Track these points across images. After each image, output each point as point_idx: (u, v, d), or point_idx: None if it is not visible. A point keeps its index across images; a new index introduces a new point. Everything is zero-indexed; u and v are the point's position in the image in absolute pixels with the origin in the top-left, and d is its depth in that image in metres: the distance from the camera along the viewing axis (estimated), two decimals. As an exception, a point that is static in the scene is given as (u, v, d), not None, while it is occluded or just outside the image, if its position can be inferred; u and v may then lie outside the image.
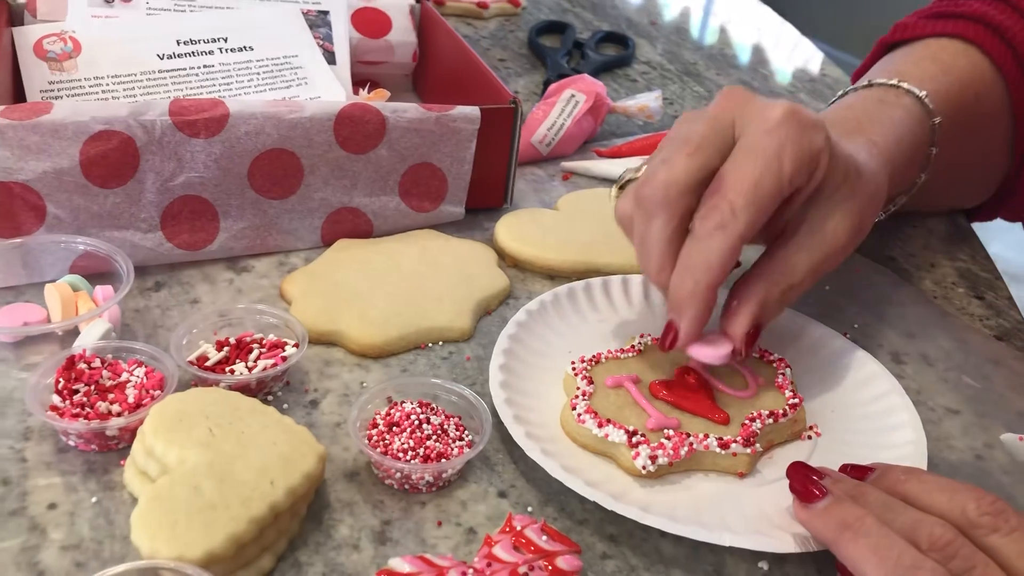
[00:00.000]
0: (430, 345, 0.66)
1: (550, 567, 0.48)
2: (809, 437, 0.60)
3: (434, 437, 0.55)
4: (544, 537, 0.49)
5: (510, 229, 0.77)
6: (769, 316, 0.59)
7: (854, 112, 0.71)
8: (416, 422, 0.55)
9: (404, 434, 0.54)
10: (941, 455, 0.61)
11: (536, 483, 0.56)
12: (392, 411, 0.56)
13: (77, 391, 0.55)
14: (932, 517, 0.47)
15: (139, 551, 0.46)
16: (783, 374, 0.62)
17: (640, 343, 0.63)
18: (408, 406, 0.56)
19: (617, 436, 0.54)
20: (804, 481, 0.50)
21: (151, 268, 0.71)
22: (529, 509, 0.54)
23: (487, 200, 0.82)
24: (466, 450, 0.55)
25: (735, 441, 0.55)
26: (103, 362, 0.57)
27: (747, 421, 0.57)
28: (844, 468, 0.53)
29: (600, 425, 0.55)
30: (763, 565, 0.52)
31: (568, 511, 0.54)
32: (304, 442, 0.52)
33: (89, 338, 0.59)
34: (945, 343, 0.73)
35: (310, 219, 0.74)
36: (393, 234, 0.76)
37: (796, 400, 0.59)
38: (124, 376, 0.57)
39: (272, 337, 0.62)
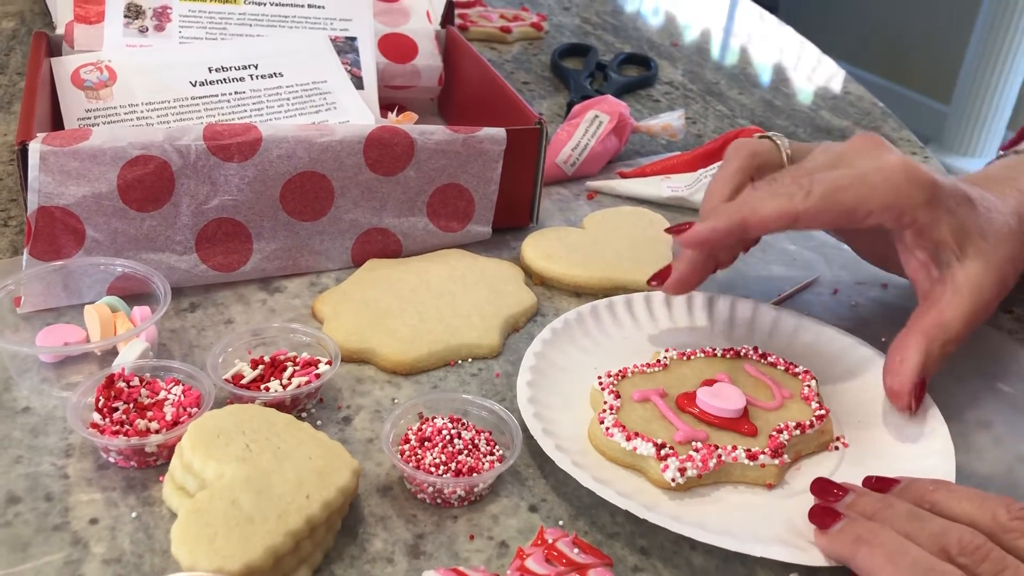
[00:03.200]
0: (459, 362, 0.67)
1: (582, 579, 0.48)
2: (836, 448, 0.60)
3: (465, 452, 0.55)
4: (576, 550, 0.50)
5: (537, 247, 0.78)
6: (932, 370, 0.60)
7: (1006, 169, 0.71)
8: (447, 437, 0.56)
9: (436, 449, 0.55)
10: (972, 467, 0.61)
11: (567, 497, 0.56)
12: (424, 426, 0.57)
13: (116, 409, 0.56)
14: (961, 525, 0.47)
15: (179, 564, 0.46)
16: (809, 386, 0.62)
17: (666, 358, 0.64)
18: (439, 421, 0.57)
19: (646, 449, 0.55)
20: (820, 510, 0.51)
21: (186, 289, 0.72)
22: (560, 523, 0.54)
23: (513, 219, 0.83)
24: (497, 464, 0.55)
25: (763, 453, 0.56)
26: (141, 380, 0.59)
27: (774, 433, 0.57)
28: (868, 481, 0.54)
29: (628, 438, 0.55)
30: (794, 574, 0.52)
31: (599, 524, 0.54)
32: (338, 456, 0.52)
33: (127, 357, 0.60)
34: (974, 355, 0.73)
35: (341, 240, 0.76)
36: (421, 254, 0.78)
37: (823, 412, 0.59)
38: (162, 394, 0.58)
39: (305, 355, 0.63)
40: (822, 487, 0.53)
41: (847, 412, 0.63)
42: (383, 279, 0.73)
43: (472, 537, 0.53)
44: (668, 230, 0.66)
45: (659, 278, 0.66)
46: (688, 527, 0.51)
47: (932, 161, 1.07)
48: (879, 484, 0.53)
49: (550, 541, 0.50)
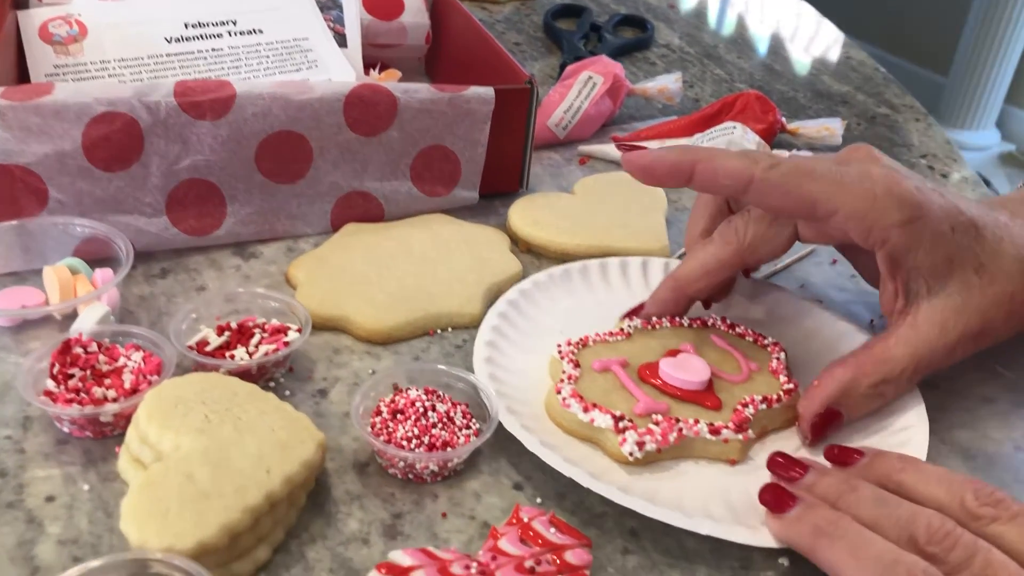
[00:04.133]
0: (440, 332, 0.64)
1: (558, 561, 0.46)
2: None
3: (440, 425, 0.52)
4: (553, 530, 0.47)
5: (524, 213, 0.74)
6: (852, 408, 0.54)
7: None
8: (421, 410, 0.53)
9: (408, 422, 0.52)
10: (978, 446, 0.58)
11: (553, 475, 0.53)
12: (397, 399, 0.54)
13: (72, 376, 0.53)
14: (929, 510, 0.45)
15: (128, 541, 0.44)
16: (777, 358, 0.59)
17: (630, 327, 0.61)
18: (413, 393, 0.54)
19: (603, 421, 0.52)
20: (773, 491, 0.48)
21: (157, 254, 0.69)
22: (539, 501, 0.52)
23: (502, 185, 0.80)
24: (473, 439, 0.53)
25: (726, 427, 0.53)
26: (100, 347, 0.56)
27: (739, 407, 0.54)
28: (831, 450, 0.51)
29: (586, 409, 0.52)
30: (783, 561, 0.49)
31: (586, 505, 0.51)
32: (303, 429, 0.50)
33: (86, 322, 0.57)
34: (979, 330, 0.70)
35: (319, 203, 0.73)
36: (405, 219, 0.74)
37: (791, 385, 0.57)
38: (121, 361, 0.55)
39: (275, 322, 0.60)
40: (780, 464, 0.49)
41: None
42: (361, 244, 0.70)
43: (444, 515, 0.50)
44: (618, 146, 0.61)
45: (632, 313, 0.62)
46: (634, 499, 0.48)
47: (935, 129, 1.03)
48: (841, 455, 0.50)
49: (525, 520, 0.48)
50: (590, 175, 0.83)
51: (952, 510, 0.45)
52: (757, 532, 0.48)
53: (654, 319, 0.61)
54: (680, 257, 0.75)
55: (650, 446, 0.51)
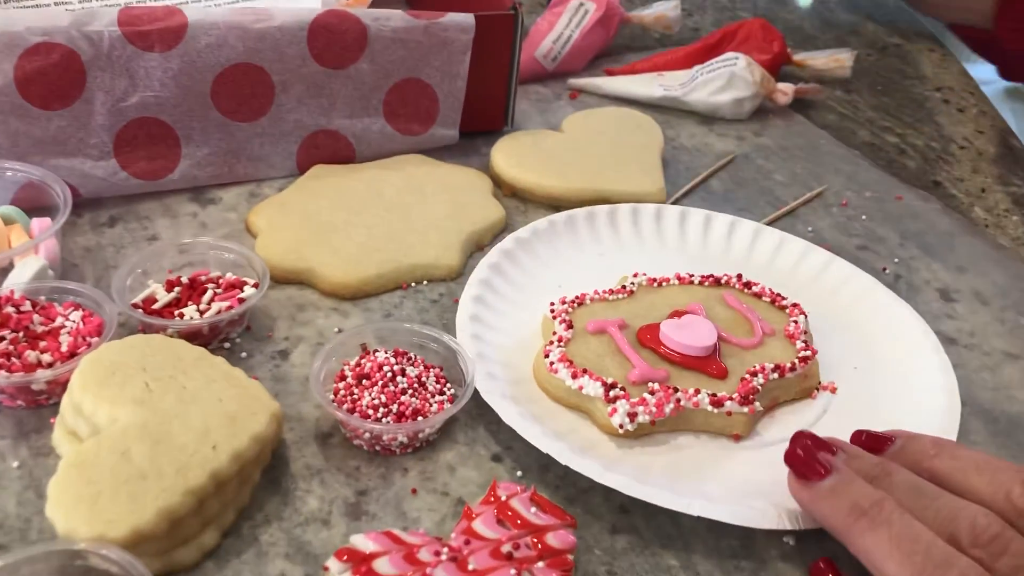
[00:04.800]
0: (414, 285, 0.58)
1: (539, 544, 0.41)
2: (816, 394, 0.51)
3: (410, 392, 0.47)
4: (533, 509, 0.42)
5: (508, 153, 0.68)
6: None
7: None
8: (389, 374, 0.48)
9: (375, 388, 0.47)
10: (1001, 407, 0.53)
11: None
12: (363, 362, 0.49)
13: (3, 339, 0.48)
14: (973, 505, 0.39)
15: (54, 528, 0.39)
16: (796, 321, 0.53)
17: (633, 283, 0.55)
18: (381, 356, 0.49)
19: (593, 389, 0.47)
20: (806, 453, 0.41)
21: (106, 201, 0.63)
22: (519, 474, 0.47)
23: (485, 122, 0.74)
24: (447, 406, 0.47)
25: (730, 399, 0.47)
26: (35, 305, 0.50)
27: (747, 375, 0.48)
28: (857, 436, 0.45)
29: (574, 376, 0.47)
30: (788, 540, 0.45)
31: (571, 478, 0.46)
32: (255, 398, 0.44)
33: (20, 278, 0.51)
34: (1000, 278, 0.64)
35: (284, 144, 0.66)
36: (377, 160, 0.68)
37: (808, 353, 0.51)
38: (58, 321, 0.50)
39: (230, 276, 0.55)
40: (805, 444, 0.42)
41: (841, 354, 0.54)
42: (329, 188, 0.64)
43: (414, 491, 0.45)
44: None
45: None
46: (616, 477, 0.43)
47: (950, 60, 0.96)
48: (870, 442, 0.44)
49: (503, 498, 0.43)
50: (581, 111, 0.76)
51: (996, 504, 0.39)
52: (760, 513, 0.43)
53: (660, 276, 0.55)
54: (676, 202, 0.69)
55: (643, 417, 0.46)
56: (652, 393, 0.47)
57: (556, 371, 0.48)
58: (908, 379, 0.52)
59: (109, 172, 0.62)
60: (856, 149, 0.79)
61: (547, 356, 0.48)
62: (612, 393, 0.46)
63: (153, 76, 0.61)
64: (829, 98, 0.87)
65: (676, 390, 0.47)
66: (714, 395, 0.47)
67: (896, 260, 0.65)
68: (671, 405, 0.46)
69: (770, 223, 0.67)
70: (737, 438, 0.48)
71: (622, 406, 0.46)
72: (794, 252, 0.61)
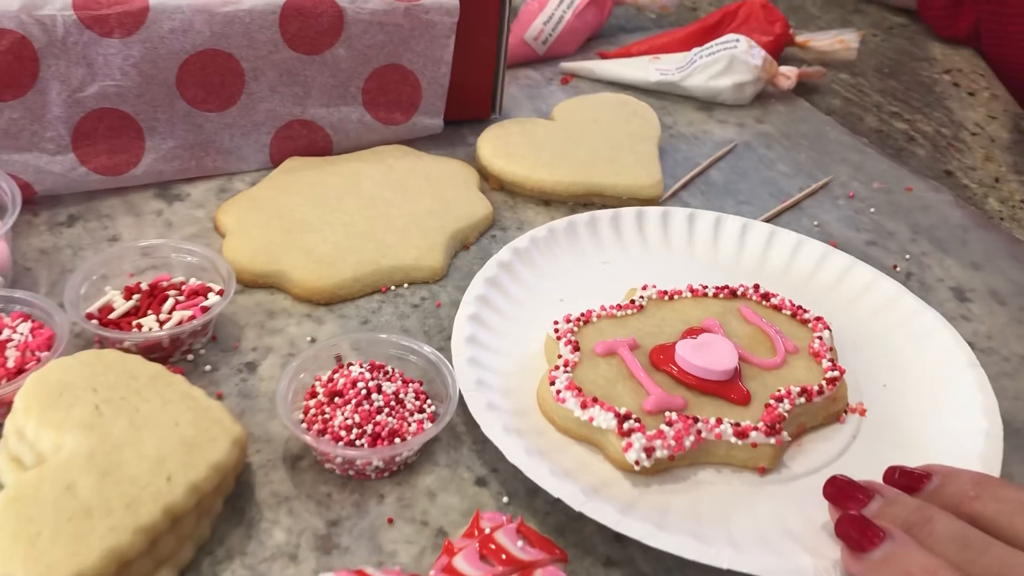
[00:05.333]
0: (394, 289, 0.54)
1: (527, 583, 0.37)
2: (844, 418, 0.47)
3: (386, 410, 0.44)
4: (520, 542, 0.39)
5: (495, 143, 0.64)
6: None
7: None
8: (364, 391, 0.44)
9: (348, 407, 0.43)
10: (1023, 418, 0.50)
11: (522, 465, 0.44)
12: (336, 377, 0.45)
13: (-57, 355, 0.44)
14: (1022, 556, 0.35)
15: (-11, 573, 0.35)
16: (820, 337, 0.49)
17: (642, 297, 0.51)
18: (356, 371, 0.45)
19: (604, 420, 0.42)
20: (856, 524, 0.38)
21: (65, 198, 0.59)
22: (505, 500, 0.43)
23: (471, 110, 0.70)
24: (427, 425, 0.44)
25: (756, 428, 0.43)
26: (-21, 317, 0.46)
27: (772, 401, 0.44)
28: (891, 473, 0.41)
29: (584, 406, 0.43)
30: None
31: (562, 505, 0.42)
32: (215, 421, 0.41)
33: (-37, 287, 0.48)
34: (1017, 275, 0.61)
35: (255, 135, 0.62)
36: (356, 152, 0.64)
37: (836, 373, 0.46)
38: (5, 334, 0.46)
39: (194, 281, 0.51)
40: (841, 490, 0.40)
41: (868, 371, 0.50)
42: (303, 183, 0.60)
43: (391, 521, 0.42)
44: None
45: None
46: (637, 524, 0.39)
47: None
48: (904, 480, 0.40)
49: (487, 531, 0.39)
50: (573, 97, 0.72)
51: None
52: (790, 560, 0.39)
53: (671, 288, 0.51)
54: (674, 195, 0.65)
55: (661, 453, 0.42)
56: (670, 424, 0.42)
57: (563, 400, 0.43)
58: (943, 398, 0.48)
59: (67, 167, 0.58)
60: (863, 136, 0.75)
61: (553, 383, 0.44)
62: (626, 425, 0.42)
63: (113, 64, 0.57)
64: (833, 82, 0.83)
65: (696, 420, 0.43)
66: (737, 425, 0.43)
67: (907, 256, 0.61)
68: (691, 438, 0.42)
69: (774, 217, 0.63)
70: (763, 471, 0.44)
71: (637, 440, 0.41)
72: (811, 256, 0.57)
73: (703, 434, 0.43)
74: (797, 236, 0.58)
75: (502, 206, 0.62)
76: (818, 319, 0.50)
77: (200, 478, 0.38)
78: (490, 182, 0.64)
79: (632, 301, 0.50)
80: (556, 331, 0.47)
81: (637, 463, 0.41)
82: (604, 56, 0.81)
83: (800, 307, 0.51)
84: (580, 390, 0.43)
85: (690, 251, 0.58)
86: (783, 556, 0.39)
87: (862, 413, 0.48)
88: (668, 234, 0.58)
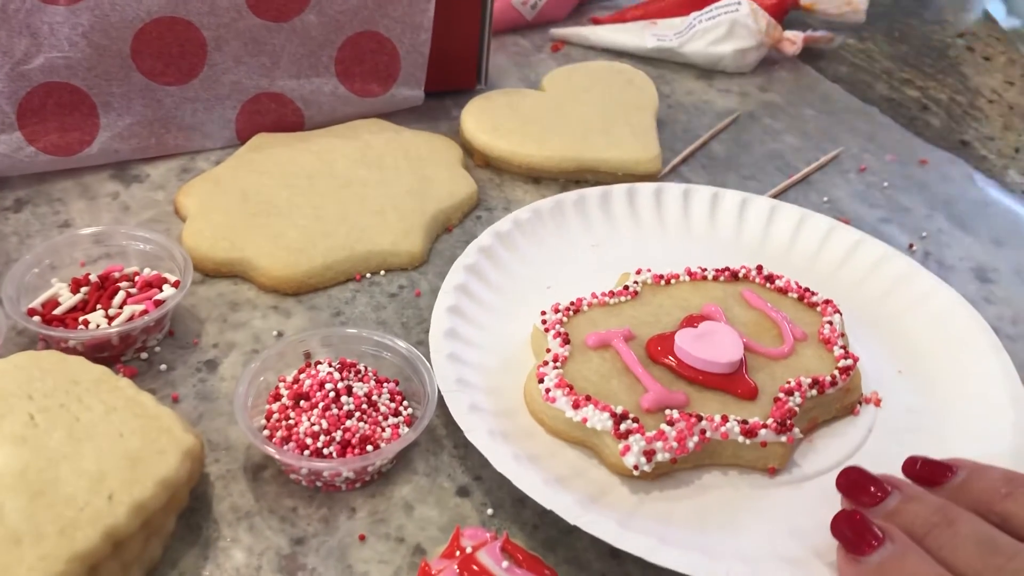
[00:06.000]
0: (369, 276, 0.50)
1: (513, 610, 0.33)
2: (859, 409, 0.43)
3: (357, 415, 0.39)
4: (506, 563, 0.34)
5: (480, 116, 0.60)
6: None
7: None
8: (332, 394, 0.40)
9: (315, 411, 0.39)
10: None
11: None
12: (301, 377, 0.41)
13: None
14: None
15: (-98, 612, 0.31)
16: (830, 322, 0.44)
17: (636, 282, 0.46)
18: (324, 371, 0.41)
19: (599, 421, 0.38)
20: (852, 524, 0.34)
21: (12, 180, 0.55)
22: (489, 512, 0.39)
23: (454, 80, 0.65)
24: (403, 430, 0.40)
25: (765, 426, 0.39)
26: (-93, 315, 0.42)
27: (781, 394, 0.40)
28: (912, 464, 0.37)
29: (576, 405, 0.39)
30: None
31: (552, 516, 0.38)
32: (164, 431, 0.36)
33: None
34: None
35: (220, 109, 0.58)
36: (330, 127, 0.59)
37: (849, 361, 0.42)
38: (-64, 334, 0.41)
39: (148, 272, 0.46)
40: (855, 484, 0.36)
41: (881, 357, 0.46)
42: (271, 161, 0.55)
43: (363, 537, 0.37)
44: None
45: None
46: (638, 538, 0.35)
47: (973, 1, 0.87)
48: (926, 471, 0.36)
49: (468, 550, 0.35)
50: (564, 65, 0.67)
51: None
52: (805, 572, 0.35)
53: (668, 271, 0.47)
54: (673, 170, 0.61)
55: (662, 456, 0.38)
56: (671, 423, 0.38)
57: (554, 400, 0.39)
58: (965, 385, 0.44)
59: (13, 147, 0.53)
60: (873, 105, 0.70)
61: (541, 381, 0.40)
62: (623, 426, 0.38)
63: (60, 33, 0.52)
64: (841, 47, 0.78)
65: (700, 418, 0.39)
66: (744, 422, 0.39)
67: (924, 234, 0.57)
68: (695, 438, 0.38)
69: (781, 192, 0.59)
70: (773, 472, 0.40)
71: (636, 442, 0.37)
72: (816, 233, 0.52)
73: (707, 434, 0.38)
74: (800, 210, 0.53)
75: (488, 184, 0.58)
76: (827, 302, 0.45)
77: (146, 496, 0.34)
78: (475, 158, 0.59)
79: (626, 287, 0.46)
80: (544, 322, 0.43)
81: (636, 468, 0.37)
82: (597, 21, 0.76)
83: (808, 289, 0.46)
84: (571, 388, 0.39)
85: (686, 230, 0.53)
86: (798, 567, 0.35)
87: (877, 403, 0.44)
88: (662, 212, 0.54)
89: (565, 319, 0.43)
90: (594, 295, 0.45)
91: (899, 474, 0.37)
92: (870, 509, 0.35)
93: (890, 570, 0.32)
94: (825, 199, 0.59)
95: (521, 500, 0.39)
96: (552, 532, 0.38)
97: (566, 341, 0.42)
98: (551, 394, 0.39)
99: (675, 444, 0.38)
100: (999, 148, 0.67)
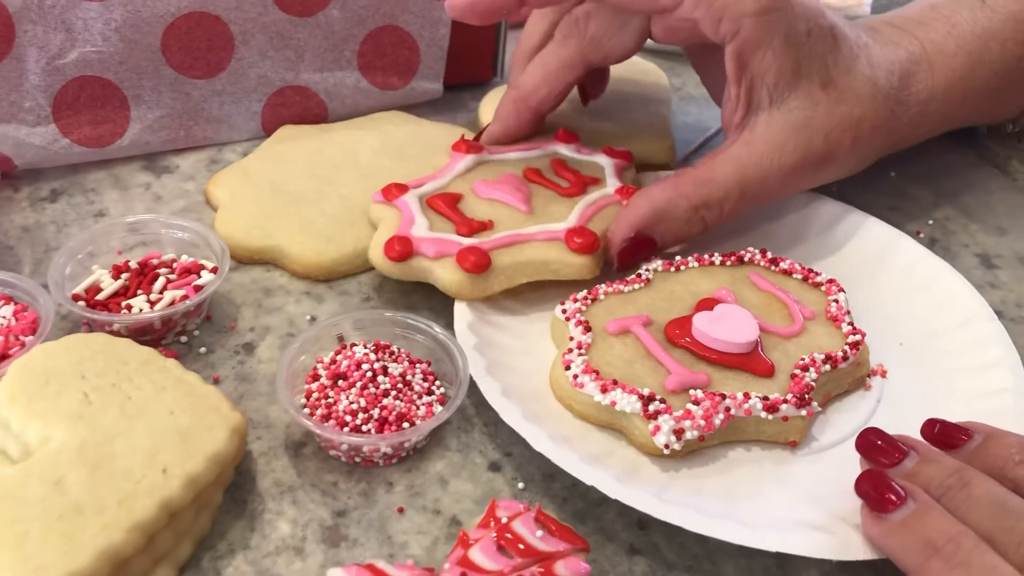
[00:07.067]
0: (396, 262, 0.52)
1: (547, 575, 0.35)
2: (868, 381, 0.45)
3: (393, 393, 0.41)
4: (540, 532, 0.36)
5: (498, 109, 0.61)
6: (667, 235, 0.48)
7: (927, 11, 0.55)
8: (369, 374, 0.41)
9: (353, 390, 0.41)
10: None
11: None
12: (339, 358, 0.43)
13: (-81, 342, 0.41)
14: None
15: (-26, 578, 0.33)
16: (836, 300, 0.47)
17: (647, 270, 0.48)
18: (360, 352, 0.43)
19: (628, 403, 0.40)
20: (875, 483, 0.36)
21: (46, 171, 0.56)
22: (520, 486, 0.41)
23: (471, 73, 0.67)
24: (437, 408, 0.41)
25: (785, 401, 0.41)
26: (-42, 300, 0.44)
27: (797, 371, 0.42)
28: (930, 426, 0.39)
29: (604, 389, 0.40)
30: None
31: (581, 489, 0.40)
32: (213, 409, 0.38)
33: (-60, 269, 0.45)
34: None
35: (246, 102, 0.59)
36: (352, 119, 0.61)
37: (858, 336, 0.44)
38: (-14, 318, 0.43)
39: (185, 259, 0.48)
40: (874, 445, 0.38)
41: (882, 331, 0.48)
42: (298, 152, 0.57)
43: (401, 510, 0.39)
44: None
45: (476, 139, 0.55)
46: (675, 509, 0.37)
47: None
48: (942, 435, 0.38)
49: (504, 520, 0.37)
50: (577, 59, 0.69)
51: None
52: (837, 537, 0.37)
53: (678, 259, 0.49)
54: (687, 159, 0.62)
55: (691, 434, 0.39)
56: (696, 403, 0.40)
57: (582, 385, 0.41)
58: (963, 355, 0.46)
59: (48, 139, 0.55)
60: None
61: (568, 368, 0.42)
62: (652, 407, 0.40)
63: (93, 28, 0.54)
64: (846, 39, 0.80)
65: (724, 397, 0.41)
66: (766, 399, 0.41)
67: (930, 222, 0.59)
68: (720, 416, 0.40)
69: (790, 182, 0.61)
70: (794, 445, 0.42)
71: (665, 422, 0.39)
72: (813, 213, 0.55)
73: (732, 411, 0.40)
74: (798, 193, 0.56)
75: (507, 174, 0.59)
76: (831, 281, 0.48)
77: (198, 470, 0.36)
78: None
79: (638, 275, 0.48)
80: (564, 311, 0.45)
81: (667, 446, 0.39)
82: (608, 15, 0.78)
83: (811, 270, 0.48)
84: (598, 373, 0.41)
85: None
86: (828, 532, 0.37)
87: (883, 375, 0.46)
88: None
89: (584, 307, 0.45)
90: (608, 284, 0.47)
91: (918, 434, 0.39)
92: (888, 470, 0.37)
93: (913, 526, 0.34)
94: (834, 186, 0.61)
95: (551, 475, 0.41)
96: (580, 504, 0.40)
97: (587, 329, 0.43)
98: (579, 380, 0.41)
99: (702, 422, 0.39)
100: (1002, 138, 0.68)
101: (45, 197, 0.55)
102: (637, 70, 0.67)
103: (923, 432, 0.39)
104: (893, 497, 0.35)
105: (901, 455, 0.37)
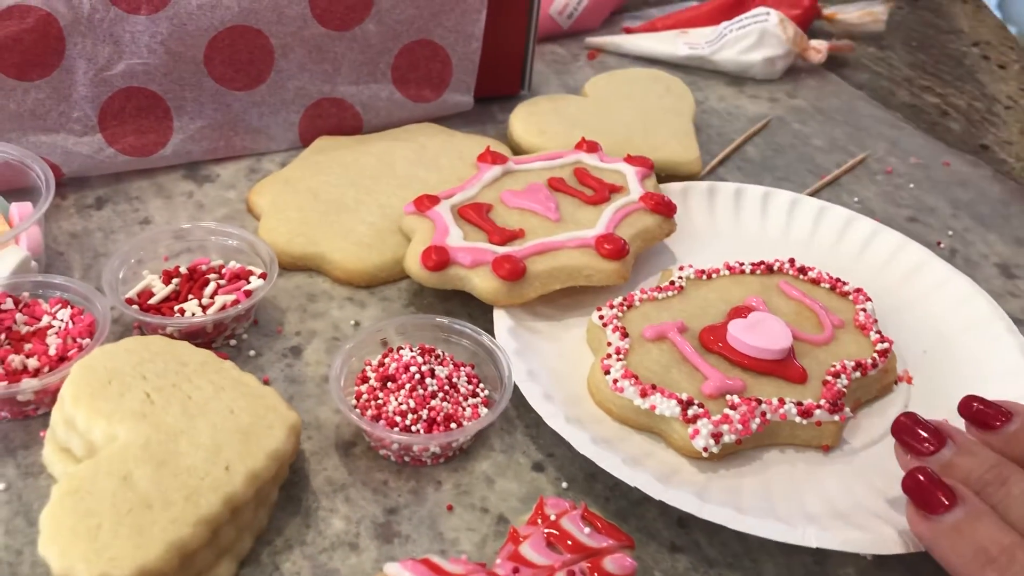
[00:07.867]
0: (434, 269, 0.53)
1: (595, 570, 0.37)
2: (894, 388, 0.47)
3: (440, 395, 0.43)
4: (587, 529, 0.38)
5: (527, 120, 0.63)
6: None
7: None
8: (417, 376, 0.43)
9: (402, 392, 0.42)
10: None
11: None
12: (387, 361, 0.44)
13: (-18, 343, 0.43)
14: None
15: (49, 568, 0.34)
16: (864, 309, 0.48)
17: (680, 278, 0.49)
18: (407, 355, 0.44)
19: (667, 408, 0.41)
20: (925, 483, 0.36)
21: (92, 180, 0.58)
22: (564, 485, 0.42)
23: (500, 86, 0.68)
24: (482, 410, 0.43)
25: (819, 406, 0.42)
26: (17, 303, 0.45)
27: (829, 377, 0.44)
28: (968, 404, 0.39)
29: (644, 394, 0.42)
30: (867, 556, 0.40)
31: (623, 488, 0.42)
32: (270, 408, 0.40)
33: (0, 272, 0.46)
34: (1061, 250, 0.60)
35: (284, 113, 0.61)
36: (386, 130, 0.63)
37: (886, 344, 0.46)
38: (44, 320, 0.45)
39: (233, 264, 0.49)
40: (910, 431, 0.38)
41: (907, 339, 0.49)
42: (335, 162, 0.58)
43: (450, 507, 0.41)
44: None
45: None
46: (717, 509, 0.39)
47: (986, 12, 0.90)
48: (981, 415, 0.38)
49: (552, 517, 0.38)
50: (602, 73, 0.71)
51: None
52: (873, 534, 0.38)
53: (708, 267, 0.50)
54: (712, 171, 0.64)
55: (728, 438, 0.41)
56: (733, 408, 0.42)
57: (622, 390, 0.42)
58: (985, 362, 0.48)
59: (94, 148, 0.57)
60: (896, 111, 0.74)
61: (607, 372, 0.43)
62: (691, 411, 0.41)
63: (140, 41, 0.55)
64: (861, 55, 0.82)
65: (760, 402, 0.42)
66: (800, 404, 0.42)
67: (950, 233, 0.60)
68: (757, 420, 0.41)
69: (814, 193, 0.62)
70: (827, 449, 0.43)
71: (704, 426, 0.41)
72: (835, 223, 0.56)
73: (768, 416, 0.42)
74: (818, 203, 0.57)
75: (537, 184, 0.61)
76: (858, 291, 0.49)
77: (258, 467, 0.37)
78: (524, 160, 0.62)
79: (672, 283, 0.49)
80: (601, 317, 0.46)
81: (705, 449, 0.41)
82: (629, 31, 0.80)
83: (839, 280, 0.50)
84: (637, 377, 0.42)
85: (711, 224, 0.57)
86: (865, 530, 0.38)
87: (908, 381, 0.48)
88: (689, 207, 0.57)
89: (620, 314, 0.46)
90: (643, 290, 0.48)
91: (956, 411, 0.39)
92: (925, 460, 0.37)
93: (964, 532, 0.34)
94: (856, 199, 0.63)
95: (592, 475, 0.43)
96: (622, 503, 0.42)
97: (625, 334, 0.45)
98: (619, 384, 0.42)
99: (740, 426, 0.41)
100: (1017, 152, 0.70)
101: (91, 204, 0.56)
102: (662, 85, 0.69)
103: (961, 408, 0.39)
104: (943, 499, 0.35)
105: (939, 443, 0.37)
